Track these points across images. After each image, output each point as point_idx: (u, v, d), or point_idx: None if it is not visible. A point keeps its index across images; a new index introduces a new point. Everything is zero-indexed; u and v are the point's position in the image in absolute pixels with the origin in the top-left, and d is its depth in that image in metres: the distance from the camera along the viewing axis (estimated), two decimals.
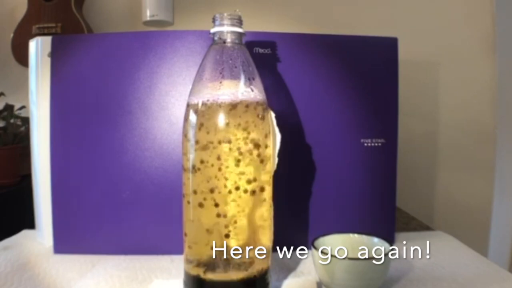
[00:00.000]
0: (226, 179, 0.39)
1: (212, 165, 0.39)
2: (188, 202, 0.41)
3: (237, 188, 0.39)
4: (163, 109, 0.56)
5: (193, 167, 0.40)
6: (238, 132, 0.39)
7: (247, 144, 0.39)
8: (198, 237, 0.40)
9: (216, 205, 0.39)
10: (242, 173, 0.39)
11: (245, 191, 0.40)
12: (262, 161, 0.41)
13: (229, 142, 0.39)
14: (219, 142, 0.39)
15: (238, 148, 0.39)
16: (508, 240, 1.19)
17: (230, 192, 0.39)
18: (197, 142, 0.40)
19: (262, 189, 0.41)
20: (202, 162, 0.39)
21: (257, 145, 0.40)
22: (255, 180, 0.40)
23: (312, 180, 0.57)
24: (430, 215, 1.24)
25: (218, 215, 0.39)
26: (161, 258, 0.55)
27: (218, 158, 0.39)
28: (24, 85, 0.66)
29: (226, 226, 0.39)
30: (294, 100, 0.56)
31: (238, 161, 0.39)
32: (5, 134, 1.16)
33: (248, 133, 0.40)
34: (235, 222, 0.40)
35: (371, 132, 0.58)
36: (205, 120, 0.39)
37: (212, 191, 0.39)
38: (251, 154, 0.40)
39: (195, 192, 0.40)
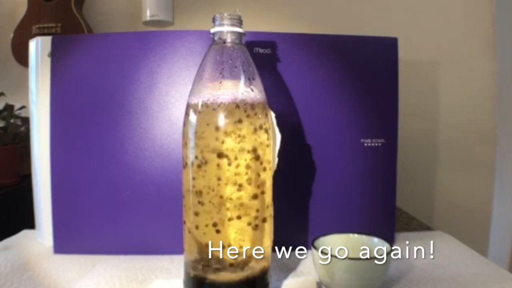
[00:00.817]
0: (228, 199, 0.39)
1: (213, 189, 0.39)
2: (189, 231, 0.41)
3: (239, 217, 0.40)
4: (163, 109, 0.56)
5: (197, 192, 0.40)
6: (237, 133, 0.39)
7: (247, 151, 0.39)
8: (199, 250, 0.41)
9: (218, 231, 0.40)
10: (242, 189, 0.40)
11: (249, 223, 0.40)
12: (264, 169, 0.41)
13: (228, 146, 0.39)
14: (220, 146, 0.39)
15: (238, 154, 0.39)
16: (508, 240, 1.19)
17: (230, 219, 0.39)
18: (197, 146, 0.40)
19: (264, 220, 0.41)
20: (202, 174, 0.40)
21: (256, 148, 0.40)
22: (257, 211, 0.40)
23: (312, 180, 0.57)
24: (430, 215, 1.24)
25: (223, 247, 0.40)
26: (161, 258, 0.55)
27: (219, 166, 0.39)
28: (24, 85, 0.66)
29: (231, 250, 0.40)
30: (294, 100, 0.56)
31: (237, 171, 0.39)
32: (5, 134, 1.16)
33: (249, 134, 0.40)
34: (241, 247, 0.40)
35: (371, 132, 0.58)
36: (205, 120, 0.39)
37: (214, 225, 0.39)
38: (251, 160, 0.40)
39: (197, 227, 0.40)
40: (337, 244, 0.48)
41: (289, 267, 0.53)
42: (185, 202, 0.42)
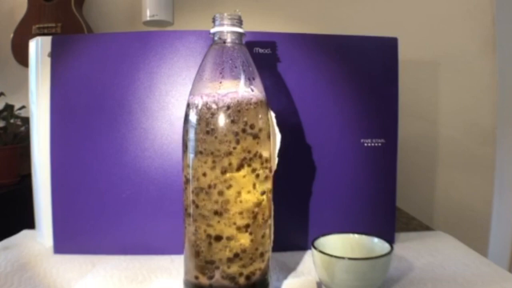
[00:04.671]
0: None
1: (214, 189, 0.39)
2: (189, 232, 0.41)
3: (239, 217, 0.40)
4: (163, 109, 0.56)
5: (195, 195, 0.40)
6: (238, 133, 0.39)
7: (247, 151, 0.39)
8: (199, 251, 0.41)
9: (217, 232, 0.40)
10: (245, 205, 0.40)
11: (249, 223, 0.40)
12: (264, 169, 0.41)
13: (229, 149, 0.39)
14: (220, 149, 0.39)
15: (240, 158, 0.39)
16: (508, 240, 1.19)
17: (231, 219, 0.39)
18: (197, 146, 0.40)
19: (264, 220, 0.41)
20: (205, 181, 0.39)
21: (256, 148, 0.40)
22: (257, 211, 0.40)
23: (312, 180, 0.57)
24: (430, 215, 1.24)
25: (223, 247, 0.40)
26: (161, 258, 0.55)
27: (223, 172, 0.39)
28: (24, 85, 0.66)
29: (231, 251, 0.40)
30: (294, 100, 0.56)
31: (239, 168, 0.39)
32: (5, 134, 1.16)
33: (248, 133, 0.39)
34: (241, 247, 0.40)
35: (371, 132, 0.58)
36: (205, 120, 0.39)
37: (214, 225, 0.39)
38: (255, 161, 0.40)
39: (197, 228, 0.40)
40: (337, 244, 0.48)
41: (289, 267, 0.53)
42: (185, 202, 0.42)
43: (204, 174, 0.39)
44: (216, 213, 0.39)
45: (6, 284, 0.47)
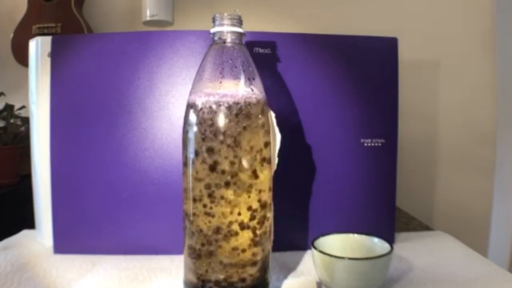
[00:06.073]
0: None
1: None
2: (189, 233, 0.41)
3: (240, 217, 0.40)
4: (163, 109, 0.56)
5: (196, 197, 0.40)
6: (238, 133, 0.39)
7: (248, 151, 0.39)
8: (199, 251, 0.41)
9: (218, 232, 0.40)
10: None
11: (249, 223, 0.40)
12: (264, 169, 0.41)
13: (230, 146, 0.39)
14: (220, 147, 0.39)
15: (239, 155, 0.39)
16: (508, 240, 1.19)
17: (231, 219, 0.39)
18: (197, 146, 0.40)
19: (264, 220, 0.41)
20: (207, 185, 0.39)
21: (256, 148, 0.40)
22: (258, 211, 0.40)
23: (312, 180, 0.57)
24: (430, 215, 1.24)
25: (224, 247, 0.40)
26: (161, 258, 0.55)
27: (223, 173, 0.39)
28: (24, 85, 0.66)
29: (232, 251, 0.40)
30: (294, 100, 0.56)
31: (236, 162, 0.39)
32: (5, 134, 1.16)
33: (248, 133, 0.39)
34: (241, 247, 0.40)
35: (371, 132, 0.58)
36: (205, 120, 0.39)
37: (215, 225, 0.39)
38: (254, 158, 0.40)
39: (197, 228, 0.40)
40: (337, 244, 0.48)
41: (289, 267, 0.53)
42: (185, 202, 0.42)
43: (204, 174, 0.39)
44: (215, 207, 0.39)
45: (6, 284, 0.47)
